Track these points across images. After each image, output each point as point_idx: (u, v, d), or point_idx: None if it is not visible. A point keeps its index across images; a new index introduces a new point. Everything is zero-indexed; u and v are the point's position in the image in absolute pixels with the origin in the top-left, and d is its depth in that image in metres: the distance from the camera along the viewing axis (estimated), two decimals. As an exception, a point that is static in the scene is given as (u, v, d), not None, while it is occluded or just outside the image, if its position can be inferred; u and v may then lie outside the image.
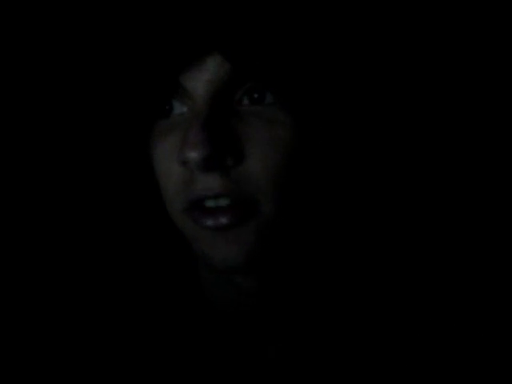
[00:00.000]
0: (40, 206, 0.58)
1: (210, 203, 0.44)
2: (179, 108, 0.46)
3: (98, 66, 0.48)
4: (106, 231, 0.55)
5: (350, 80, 0.47)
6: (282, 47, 0.43)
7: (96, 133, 0.53)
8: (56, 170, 0.58)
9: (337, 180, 0.48)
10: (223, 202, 0.43)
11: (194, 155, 0.41)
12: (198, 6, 0.43)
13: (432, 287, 0.52)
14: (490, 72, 0.59)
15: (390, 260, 0.53)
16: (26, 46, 0.54)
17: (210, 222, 0.43)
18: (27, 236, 0.58)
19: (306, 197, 0.46)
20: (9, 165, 0.58)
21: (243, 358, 0.51)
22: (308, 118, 0.44)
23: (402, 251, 0.54)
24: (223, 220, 0.43)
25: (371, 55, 0.50)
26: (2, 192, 0.58)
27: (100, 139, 0.53)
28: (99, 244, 0.56)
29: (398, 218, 0.56)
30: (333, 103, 0.46)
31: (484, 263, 0.56)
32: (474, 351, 0.49)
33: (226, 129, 0.43)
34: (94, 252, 0.56)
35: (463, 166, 0.59)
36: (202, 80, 0.43)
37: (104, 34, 0.47)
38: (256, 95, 0.44)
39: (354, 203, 0.51)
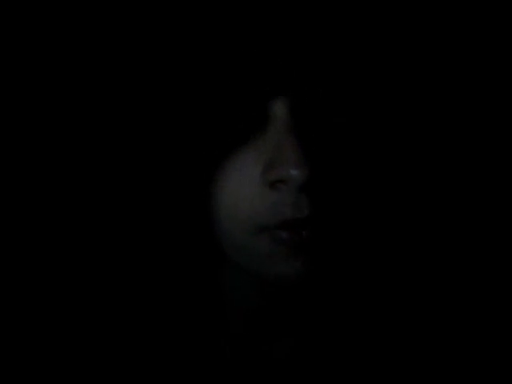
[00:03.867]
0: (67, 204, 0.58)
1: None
2: (257, 130, 0.45)
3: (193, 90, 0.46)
4: (128, 228, 0.55)
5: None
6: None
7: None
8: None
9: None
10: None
11: (297, 174, 0.41)
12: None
13: (438, 288, 0.54)
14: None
15: (400, 261, 0.54)
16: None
17: (285, 235, 0.43)
18: (37, 234, 0.58)
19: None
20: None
21: (253, 355, 0.52)
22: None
23: (412, 253, 0.55)
24: (304, 235, 0.43)
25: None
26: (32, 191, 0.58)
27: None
28: (118, 241, 0.55)
29: (411, 219, 0.57)
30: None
31: (485, 264, 0.57)
32: (475, 352, 0.51)
33: (313, 145, 0.43)
34: (112, 250, 0.55)
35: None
36: (285, 100, 0.43)
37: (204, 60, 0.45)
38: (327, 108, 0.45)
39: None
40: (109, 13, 0.55)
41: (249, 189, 0.44)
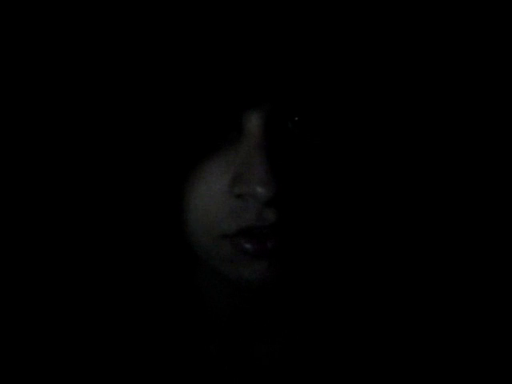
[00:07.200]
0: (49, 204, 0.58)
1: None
2: (231, 140, 0.44)
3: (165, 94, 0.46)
4: (106, 233, 0.55)
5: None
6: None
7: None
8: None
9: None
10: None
11: (263, 192, 0.41)
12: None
13: (432, 288, 0.53)
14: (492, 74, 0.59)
15: (391, 261, 0.54)
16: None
17: (249, 246, 0.43)
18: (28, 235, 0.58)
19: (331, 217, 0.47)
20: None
21: (236, 358, 0.52)
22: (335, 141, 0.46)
23: (403, 252, 0.55)
24: (269, 245, 0.43)
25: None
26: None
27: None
28: (99, 245, 0.56)
29: (400, 220, 0.57)
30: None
31: (484, 263, 0.56)
32: (473, 351, 0.50)
33: (283, 163, 0.43)
34: (92, 254, 0.56)
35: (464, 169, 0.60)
36: (259, 115, 0.43)
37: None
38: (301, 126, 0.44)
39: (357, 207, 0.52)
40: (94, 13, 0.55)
41: (215, 196, 0.44)
